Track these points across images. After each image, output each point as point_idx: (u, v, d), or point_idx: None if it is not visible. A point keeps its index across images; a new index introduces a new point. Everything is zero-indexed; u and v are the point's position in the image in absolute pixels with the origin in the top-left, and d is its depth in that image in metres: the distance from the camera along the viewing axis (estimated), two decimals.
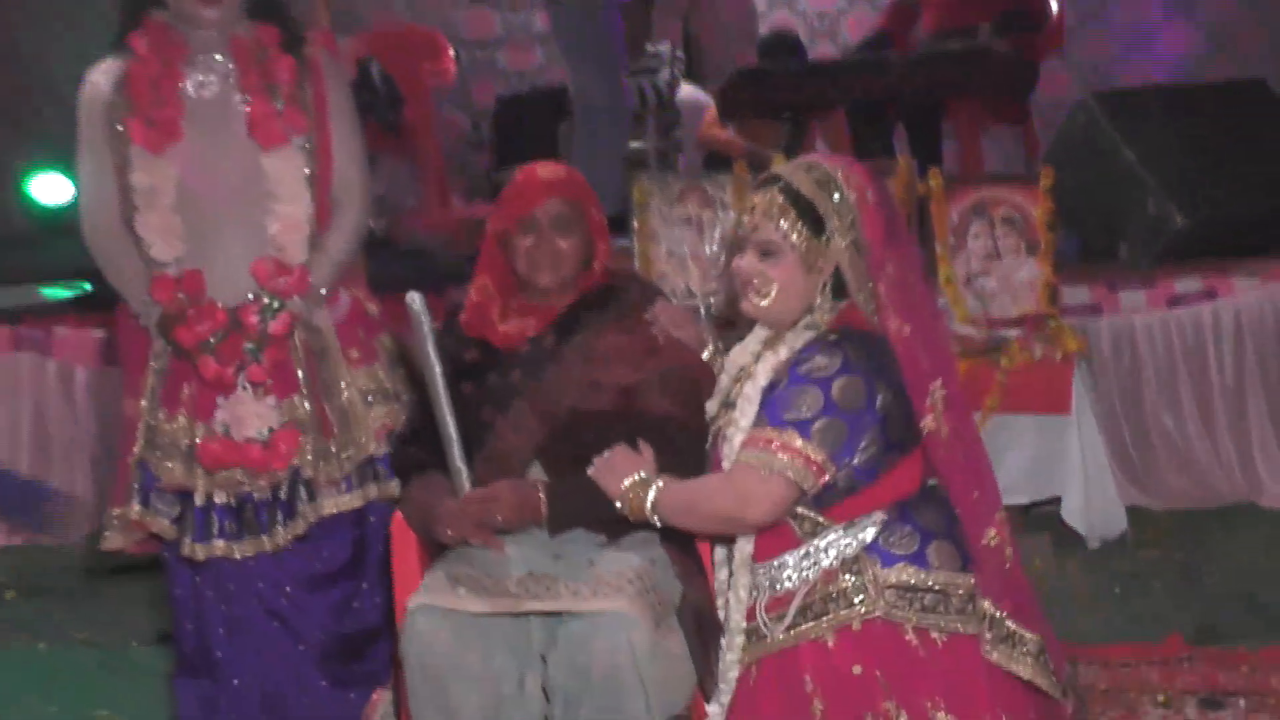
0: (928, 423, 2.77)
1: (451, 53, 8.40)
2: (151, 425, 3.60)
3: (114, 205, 3.54)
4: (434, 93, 8.53)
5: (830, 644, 2.78)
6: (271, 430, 3.55)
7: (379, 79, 7.78)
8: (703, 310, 5.04)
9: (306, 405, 3.59)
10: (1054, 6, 7.36)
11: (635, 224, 5.27)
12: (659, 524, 2.97)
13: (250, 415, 3.54)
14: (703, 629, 3.16)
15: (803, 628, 2.81)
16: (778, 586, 2.85)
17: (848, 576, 2.78)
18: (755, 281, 2.87)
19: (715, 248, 5.25)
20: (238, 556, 3.57)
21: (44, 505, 5.59)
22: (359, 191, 3.68)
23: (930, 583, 2.77)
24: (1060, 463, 4.91)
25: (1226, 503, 5.40)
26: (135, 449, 3.60)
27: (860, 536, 2.80)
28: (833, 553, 2.80)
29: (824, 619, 2.79)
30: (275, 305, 3.53)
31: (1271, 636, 4.27)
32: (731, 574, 2.95)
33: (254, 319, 3.52)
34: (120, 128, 3.51)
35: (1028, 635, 2.79)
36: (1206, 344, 5.55)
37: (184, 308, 3.50)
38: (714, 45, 8.68)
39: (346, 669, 3.68)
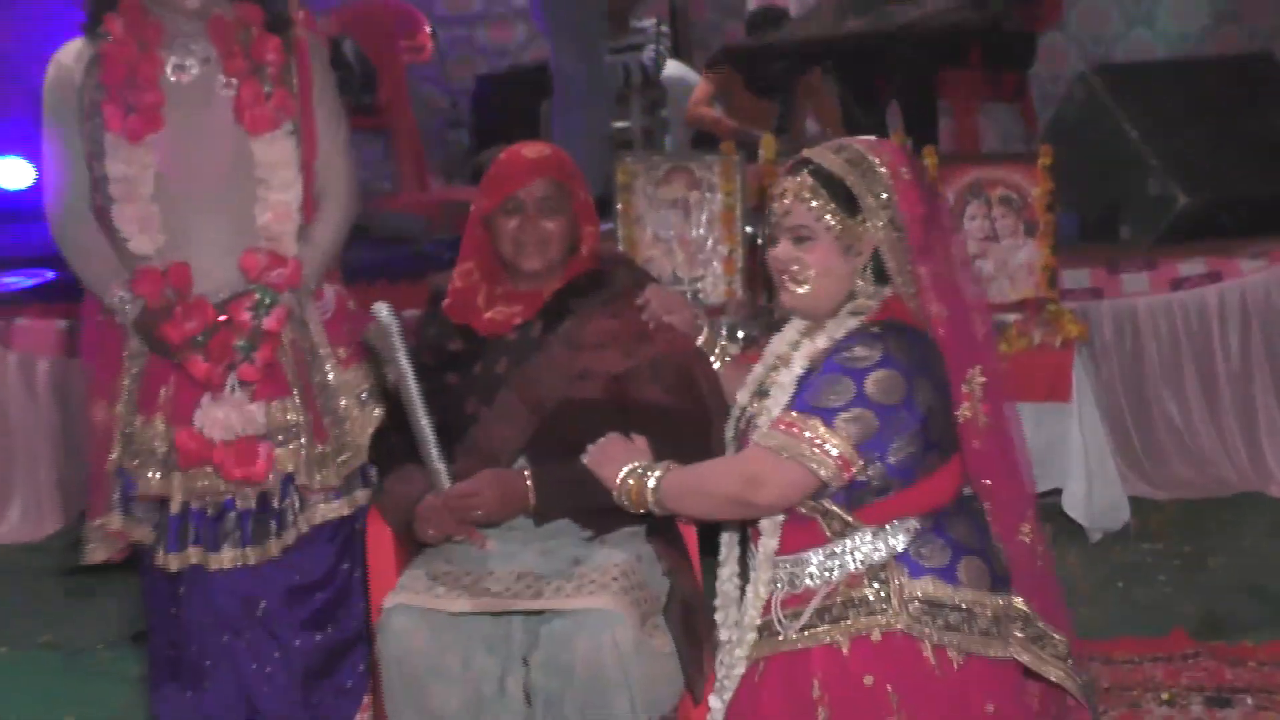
0: (964, 410, 2.76)
1: (428, 29, 8.40)
2: (127, 432, 3.52)
3: (84, 194, 3.48)
4: (410, 71, 8.52)
5: (845, 651, 2.75)
6: (251, 439, 3.48)
7: (353, 57, 7.78)
8: (689, 296, 5.04)
9: (298, 409, 3.52)
10: None
11: (619, 207, 5.27)
12: (659, 512, 2.96)
13: (232, 419, 3.45)
14: (690, 626, 3.17)
15: (818, 630, 2.78)
16: (797, 583, 2.82)
17: (873, 584, 2.76)
18: (793, 268, 2.84)
19: (702, 231, 5.25)
20: (214, 567, 3.49)
21: None
22: (345, 180, 3.63)
23: (957, 600, 2.75)
24: (1060, 452, 4.91)
25: (1233, 492, 5.41)
26: (112, 456, 3.53)
27: (890, 543, 2.77)
28: (859, 556, 2.78)
29: (842, 624, 2.77)
30: (269, 300, 3.47)
31: None
32: (751, 569, 2.91)
33: (246, 315, 3.45)
34: (93, 113, 3.44)
35: (1056, 636, 2.80)
36: (1211, 328, 5.55)
37: (170, 303, 3.43)
38: (701, 20, 8.69)
39: (329, 680, 3.64)
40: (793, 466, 2.71)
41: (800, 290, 2.84)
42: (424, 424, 3.19)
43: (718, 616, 3.01)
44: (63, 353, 5.70)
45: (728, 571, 3.04)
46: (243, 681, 3.56)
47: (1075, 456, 4.91)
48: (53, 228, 3.54)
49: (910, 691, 2.72)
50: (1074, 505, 4.93)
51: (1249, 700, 3.89)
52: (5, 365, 5.77)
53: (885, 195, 2.77)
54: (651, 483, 2.92)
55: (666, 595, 3.20)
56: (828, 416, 2.70)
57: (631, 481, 2.95)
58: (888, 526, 2.77)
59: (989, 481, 2.82)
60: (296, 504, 3.53)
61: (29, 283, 6.44)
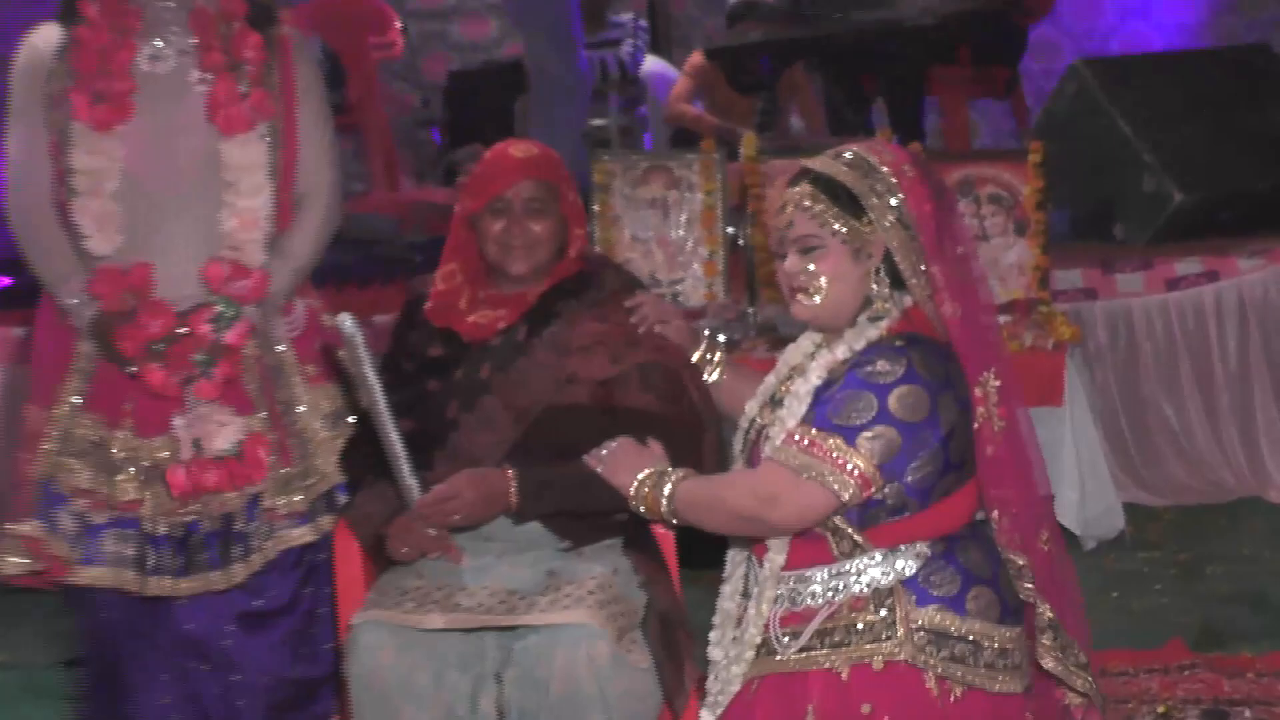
0: (979, 414, 2.74)
1: (399, 25, 8.41)
2: (76, 434, 3.43)
3: (47, 185, 3.40)
4: (380, 68, 8.53)
5: (844, 677, 2.73)
6: (240, 441, 3.40)
7: (321, 54, 7.77)
8: (669, 298, 5.03)
9: (266, 428, 3.44)
10: None
11: (596, 207, 5.25)
12: (676, 522, 2.94)
13: (216, 426, 3.38)
14: (669, 640, 3.16)
15: (817, 653, 2.76)
16: (798, 600, 2.80)
17: (878, 610, 2.74)
18: (802, 279, 2.81)
19: (682, 232, 5.25)
20: (181, 594, 3.41)
21: None
22: (327, 189, 3.54)
23: (964, 631, 2.73)
24: (1053, 458, 4.88)
25: (1231, 497, 5.43)
26: (41, 462, 3.42)
27: (899, 567, 2.75)
28: (866, 579, 2.76)
29: (843, 649, 2.75)
30: (230, 313, 3.38)
31: None
32: (753, 585, 2.89)
33: (207, 327, 3.36)
34: (61, 101, 3.37)
35: (1076, 645, 2.81)
36: (1208, 329, 5.57)
37: (129, 306, 3.35)
38: (680, 14, 8.70)
39: (296, 715, 3.55)
40: (812, 487, 2.69)
41: (813, 301, 2.82)
42: (394, 439, 3.16)
43: (713, 635, 2.97)
44: (18, 360, 5.65)
45: (730, 589, 2.99)
46: (203, 712, 3.49)
47: (1068, 462, 4.93)
48: (11, 221, 3.46)
49: None
50: (1067, 513, 4.93)
51: (1248, 713, 3.90)
52: None
53: (890, 194, 2.76)
54: (667, 489, 2.90)
55: (644, 609, 3.19)
56: (850, 435, 2.68)
57: (647, 489, 2.93)
58: (898, 550, 2.76)
59: (1004, 491, 2.79)
60: (263, 528, 3.44)
61: None
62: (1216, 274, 5.61)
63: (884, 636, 2.73)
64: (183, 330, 3.37)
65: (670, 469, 2.96)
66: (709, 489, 2.89)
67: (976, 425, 2.75)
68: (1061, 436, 4.92)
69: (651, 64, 7.69)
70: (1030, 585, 2.77)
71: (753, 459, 2.89)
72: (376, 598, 3.20)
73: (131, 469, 3.41)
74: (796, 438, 2.72)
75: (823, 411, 2.73)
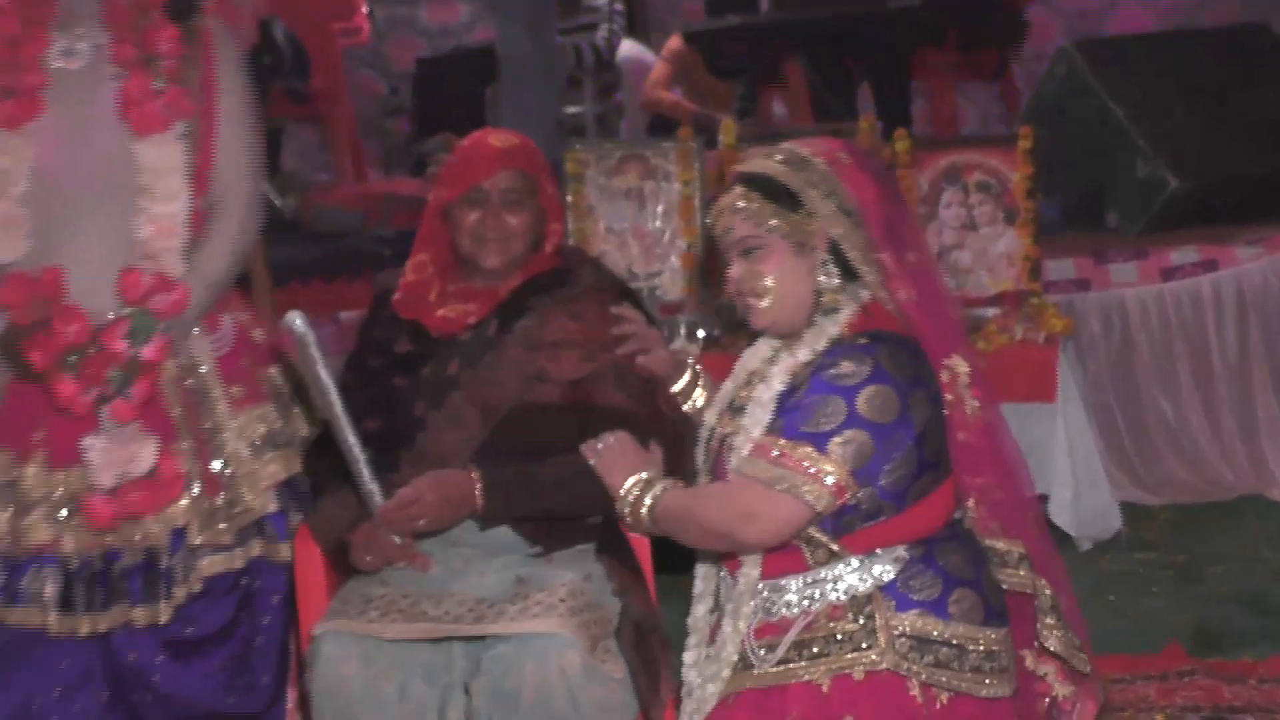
0: (948, 401, 2.75)
1: (365, 9, 8.39)
2: None
3: None
4: (346, 54, 8.51)
5: (825, 689, 2.73)
6: (154, 459, 3.30)
7: (283, 41, 7.75)
8: (645, 293, 5.02)
9: (189, 457, 3.34)
10: None
11: (569, 198, 5.24)
12: (655, 531, 2.93)
13: (135, 449, 3.26)
14: (644, 649, 3.16)
15: (795, 665, 2.76)
16: (773, 610, 2.80)
17: (857, 619, 2.74)
18: (748, 284, 2.84)
19: (659, 223, 5.24)
20: (103, 629, 3.28)
21: None
22: (245, 197, 3.44)
23: (948, 635, 2.73)
24: (1045, 456, 4.90)
25: (1231, 495, 5.43)
26: None
27: (877, 573, 2.75)
28: (843, 587, 2.76)
29: (822, 661, 2.74)
30: (147, 327, 3.26)
31: None
32: (724, 600, 2.89)
33: (122, 343, 3.25)
34: None
35: (1071, 629, 2.84)
36: (1206, 320, 5.57)
37: (39, 317, 3.25)
38: None
39: None
40: (786, 500, 2.69)
41: (764, 304, 2.84)
42: (352, 444, 3.14)
43: (686, 656, 2.97)
44: None
45: (703, 609, 2.99)
46: None
47: (1061, 460, 4.92)
48: None
49: None
50: (1060, 513, 4.93)
51: None
52: None
53: (825, 183, 2.78)
54: (648, 500, 2.90)
55: (618, 616, 3.18)
56: (820, 442, 2.68)
57: (634, 495, 2.93)
58: (875, 555, 2.76)
59: (981, 478, 2.80)
60: (185, 561, 3.33)
61: None
62: (1214, 263, 5.62)
63: (864, 645, 2.73)
64: (93, 350, 3.26)
65: (661, 478, 2.94)
66: (684, 506, 2.87)
67: (947, 412, 2.76)
68: (1054, 433, 4.91)
69: (628, 48, 7.68)
70: (1017, 571, 2.80)
71: (717, 470, 2.89)
72: (339, 606, 3.18)
73: (44, 507, 3.30)
74: (767, 449, 2.72)
75: (790, 419, 2.72)
